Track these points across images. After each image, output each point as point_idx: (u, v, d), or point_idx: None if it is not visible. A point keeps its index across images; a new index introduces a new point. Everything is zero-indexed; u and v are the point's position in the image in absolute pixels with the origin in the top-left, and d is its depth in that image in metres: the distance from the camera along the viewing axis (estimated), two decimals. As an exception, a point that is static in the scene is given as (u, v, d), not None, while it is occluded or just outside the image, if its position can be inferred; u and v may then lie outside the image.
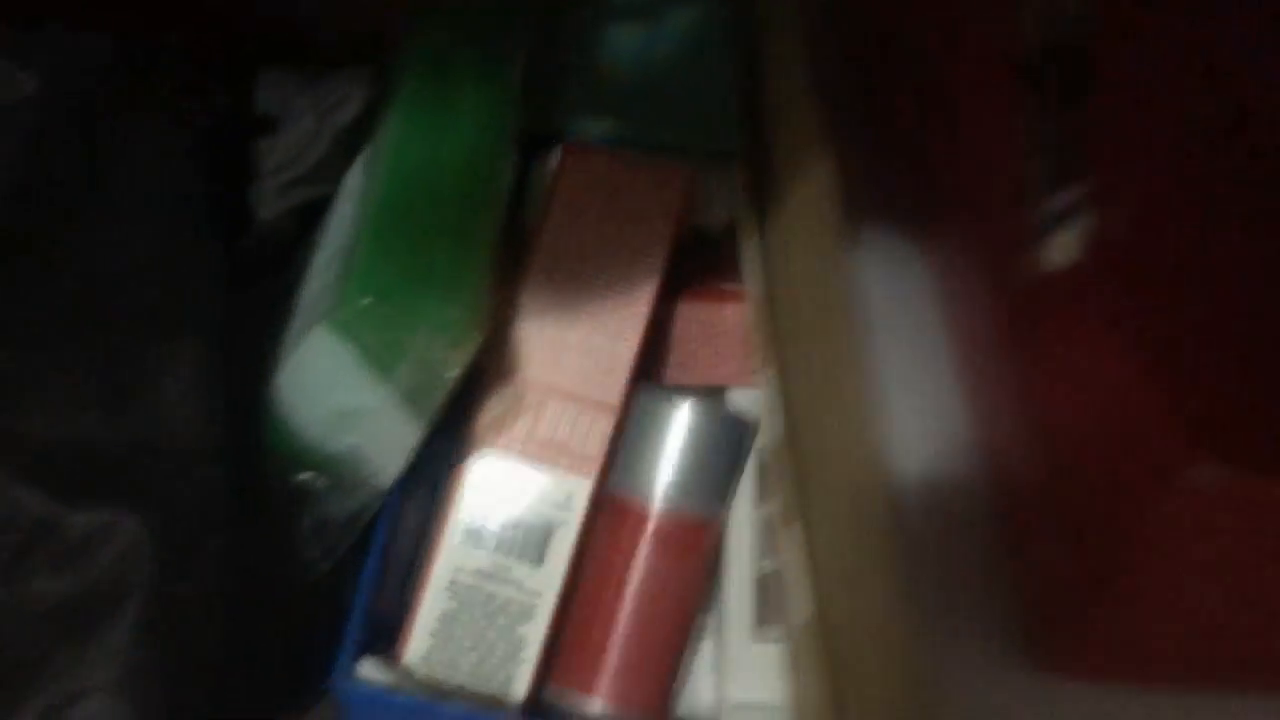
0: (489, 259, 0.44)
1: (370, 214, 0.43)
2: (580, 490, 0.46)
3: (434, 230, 0.43)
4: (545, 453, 0.46)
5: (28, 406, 0.37)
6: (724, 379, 0.50)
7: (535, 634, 0.45)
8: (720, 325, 0.50)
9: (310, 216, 0.48)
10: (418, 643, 0.45)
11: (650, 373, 0.48)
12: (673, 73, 0.56)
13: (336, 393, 0.41)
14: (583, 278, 0.46)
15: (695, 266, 0.50)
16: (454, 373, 0.41)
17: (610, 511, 0.47)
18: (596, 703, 0.45)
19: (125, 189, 0.41)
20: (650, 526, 0.46)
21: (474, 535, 0.45)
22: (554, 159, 0.55)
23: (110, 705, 0.34)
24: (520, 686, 0.45)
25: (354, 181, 0.47)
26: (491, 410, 0.46)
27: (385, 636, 0.46)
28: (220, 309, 0.42)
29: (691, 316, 0.49)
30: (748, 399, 0.48)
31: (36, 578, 0.35)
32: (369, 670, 0.43)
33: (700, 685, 0.47)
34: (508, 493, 0.45)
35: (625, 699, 0.45)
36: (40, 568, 0.35)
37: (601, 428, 0.46)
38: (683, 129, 0.57)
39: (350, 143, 0.48)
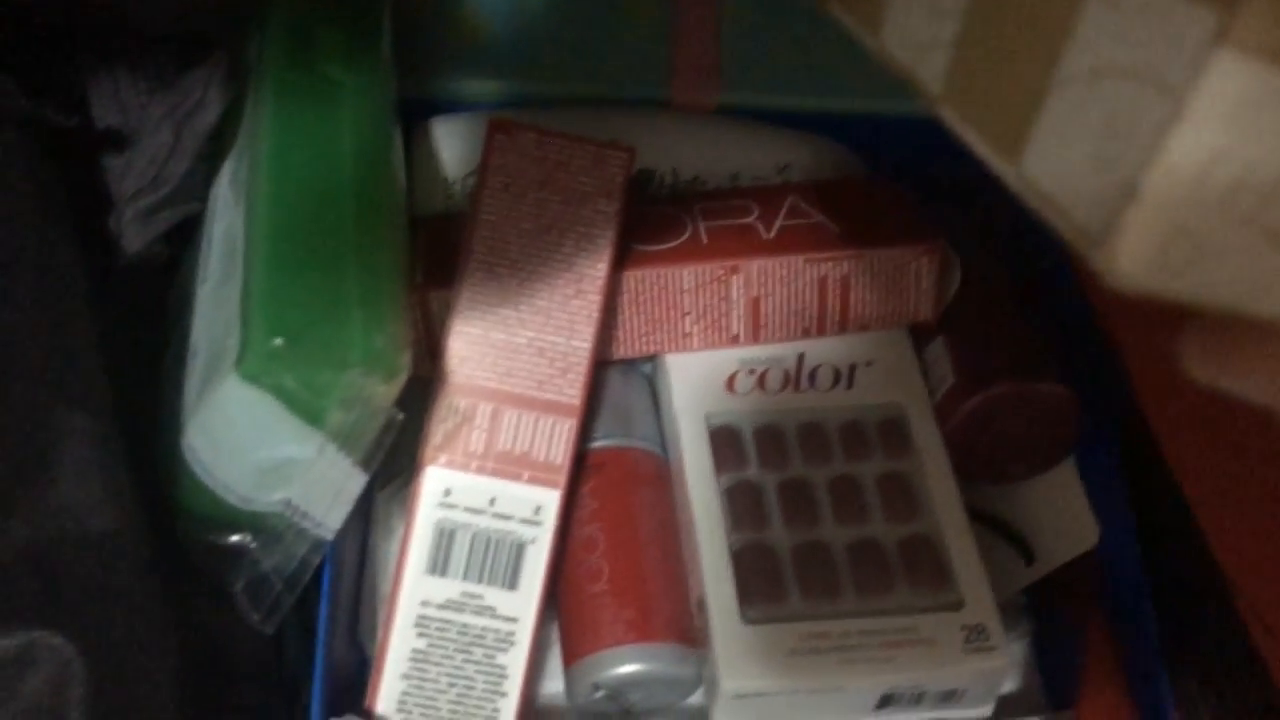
0: (402, 264, 0.39)
1: (260, 235, 0.37)
2: (550, 502, 0.42)
3: (336, 244, 0.37)
4: (506, 466, 0.41)
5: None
6: (655, 347, 0.47)
7: (517, 662, 0.41)
8: (646, 292, 0.45)
9: (181, 239, 0.41)
10: (389, 688, 0.41)
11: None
12: (550, 20, 0.50)
13: (260, 447, 0.35)
14: (526, 270, 0.42)
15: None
16: (390, 407, 0.36)
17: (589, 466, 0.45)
18: (652, 649, 0.42)
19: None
20: (639, 469, 0.46)
21: (437, 564, 0.41)
22: (436, 130, 0.50)
23: None
24: (508, 718, 0.42)
25: (225, 192, 0.41)
26: (440, 426, 0.41)
27: (347, 689, 0.42)
28: (102, 365, 0.35)
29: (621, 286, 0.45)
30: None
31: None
32: (343, 733, 0.39)
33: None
34: (469, 514, 0.41)
35: (673, 633, 0.43)
36: (-47, 711, 0.30)
37: (565, 432, 0.42)
38: (570, 81, 0.52)
39: (214, 150, 0.41)
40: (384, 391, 0.34)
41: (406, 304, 0.37)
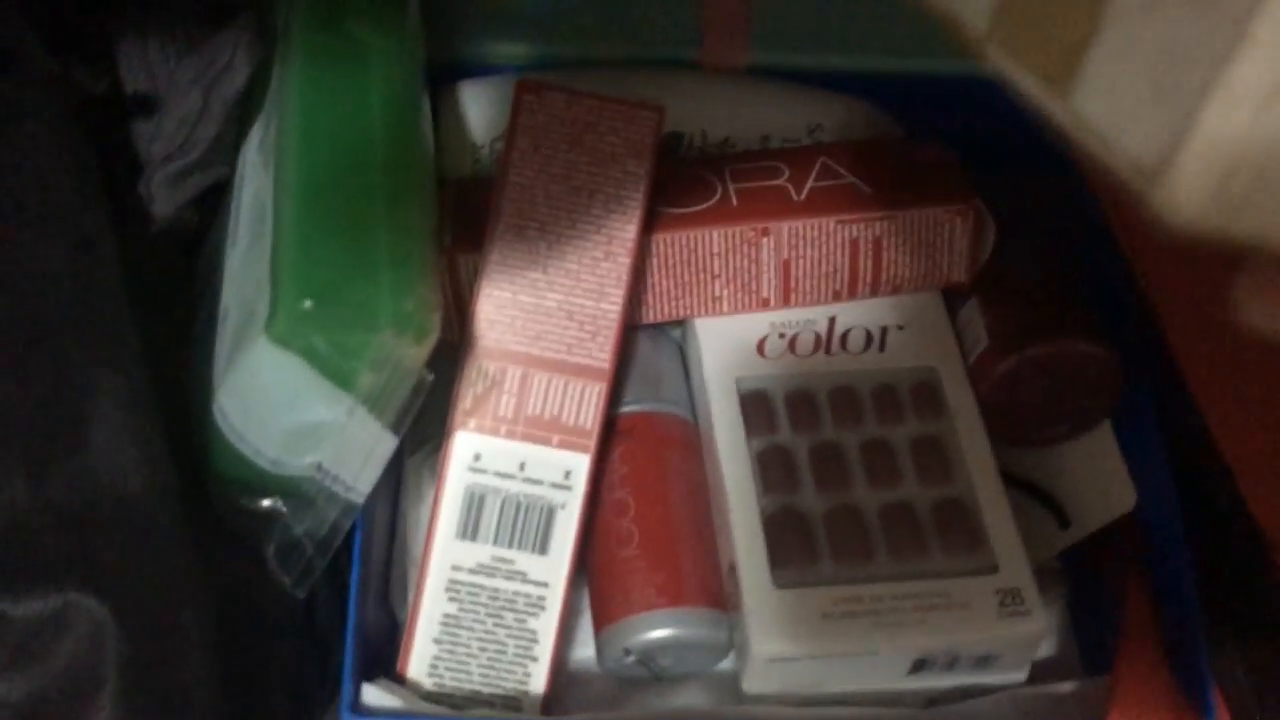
0: (432, 226, 0.38)
1: (289, 197, 0.36)
2: (580, 467, 0.41)
3: (366, 206, 0.36)
4: (536, 430, 0.41)
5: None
6: (684, 311, 0.47)
7: (548, 626, 0.41)
8: (675, 255, 0.45)
9: (210, 203, 0.41)
10: (421, 652, 0.41)
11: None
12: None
13: (291, 410, 0.35)
14: (555, 232, 0.41)
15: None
16: (421, 369, 0.36)
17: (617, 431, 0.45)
18: (683, 613, 0.42)
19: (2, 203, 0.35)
20: (669, 433, 0.45)
21: (468, 529, 0.41)
22: (464, 95, 0.49)
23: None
24: (539, 683, 0.42)
25: (253, 157, 0.40)
26: (469, 390, 0.41)
27: (379, 653, 0.42)
28: (133, 327, 0.35)
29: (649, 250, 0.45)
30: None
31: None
32: (374, 697, 0.39)
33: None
34: (499, 479, 0.41)
35: (704, 597, 0.43)
36: (-11, 672, 0.30)
37: (595, 396, 0.41)
38: (597, 43, 0.51)
39: (243, 114, 0.41)
40: (414, 353, 0.34)
41: (436, 266, 0.37)
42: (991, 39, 0.21)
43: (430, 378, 0.35)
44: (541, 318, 0.41)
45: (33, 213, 0.34)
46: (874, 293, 0.48)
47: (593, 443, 0.41)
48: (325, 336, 0.33)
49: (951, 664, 0.41)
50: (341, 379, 0.34)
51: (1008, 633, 0.40)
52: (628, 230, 0.42)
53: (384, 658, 0.42)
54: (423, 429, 0.47)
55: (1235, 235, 0.18)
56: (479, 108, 0.50)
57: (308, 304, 0.33)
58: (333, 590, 0.43)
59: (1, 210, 0.34)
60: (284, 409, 0.35)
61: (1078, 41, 0.19)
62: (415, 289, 0.34)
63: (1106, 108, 0.19)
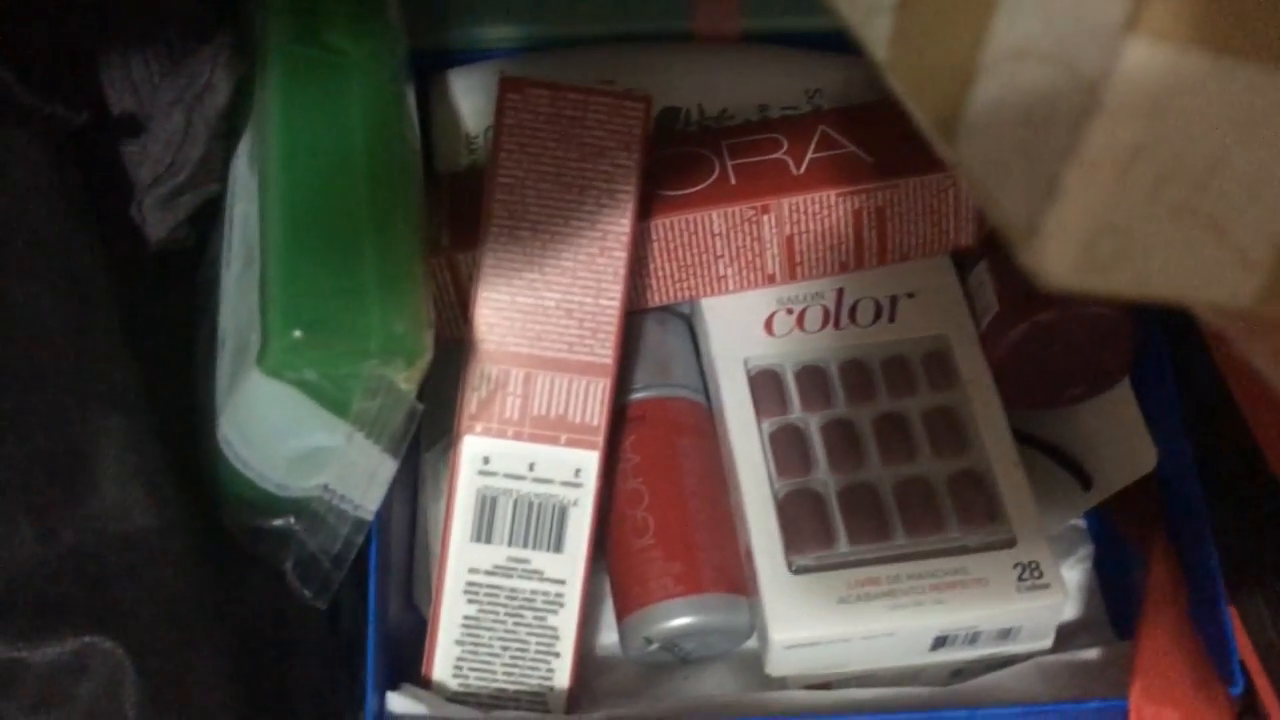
0: (420, 239, 0.38)
1: (274, 222, 0.36)
2: (589, 464, 0.41)
3: (352, 226, 0.36)
4: (543, 430, 0.41)
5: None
6: (690, 293, 0.46)
7: (568, 622, 0.42)
8: (677, 239, 0.45)
9: (207, 218, 0.41)
10: (445, 654, 0.42)
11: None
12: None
13: (291, 436, 0.35)
14: (548, 230, 0.41)
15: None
16: (414, 392, 0.35)
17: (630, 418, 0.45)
18: (700, 600, 0.42)
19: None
20: (681, 418, 0.45)
21: (481, 532, 0.41)
22: (454, 83, 0.48)
23: None
24: (563, 678, 0.42)
25: (243, 172, 0.40)
26: (474, 394, 0.41)
27: (406, 653, 0.43)
28: (131, 362, 0.35)
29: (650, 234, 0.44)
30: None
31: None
32: (400, 705, 0.40)
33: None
34: (510, 480, 0.41)
35: (722, 583, 0.43)
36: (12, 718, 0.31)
37: (599, 393, 0.41)
38: (588, 20, 0.50)
39: (230, 128, 0.40)
40: (407, 375, 0.34)
41: (426, 280, 0.36)
42: (889, 70, 0.20)
43: (421, 408, 0.35)
44: (540, 317, 0.41)
45: (21, 260, 0.34)
46: (881, 262, 0.47)
47: (600, 439, 0.41)
48: (316, 367, 0.33)
49: (973, 639, 0.41)
50: (337, 406, 0.34)
51: (1027, 606, 0.40)
52: (621, 224, 0.41)
53: (412, 657, 0.43)
54: (438, 424, 0.47)
55: (1110, 291, 0.17)
56: (470, 96, 0.49)
57: (297, 334, 0.33)
58: (357, 593, 0.43)
59: (15, 251, 0.34)
60: (284, 436, 0.35)
61: (960, 86, 0.18)
62: (405, 310, 0.34)
63: (984, 160, 0.18)
